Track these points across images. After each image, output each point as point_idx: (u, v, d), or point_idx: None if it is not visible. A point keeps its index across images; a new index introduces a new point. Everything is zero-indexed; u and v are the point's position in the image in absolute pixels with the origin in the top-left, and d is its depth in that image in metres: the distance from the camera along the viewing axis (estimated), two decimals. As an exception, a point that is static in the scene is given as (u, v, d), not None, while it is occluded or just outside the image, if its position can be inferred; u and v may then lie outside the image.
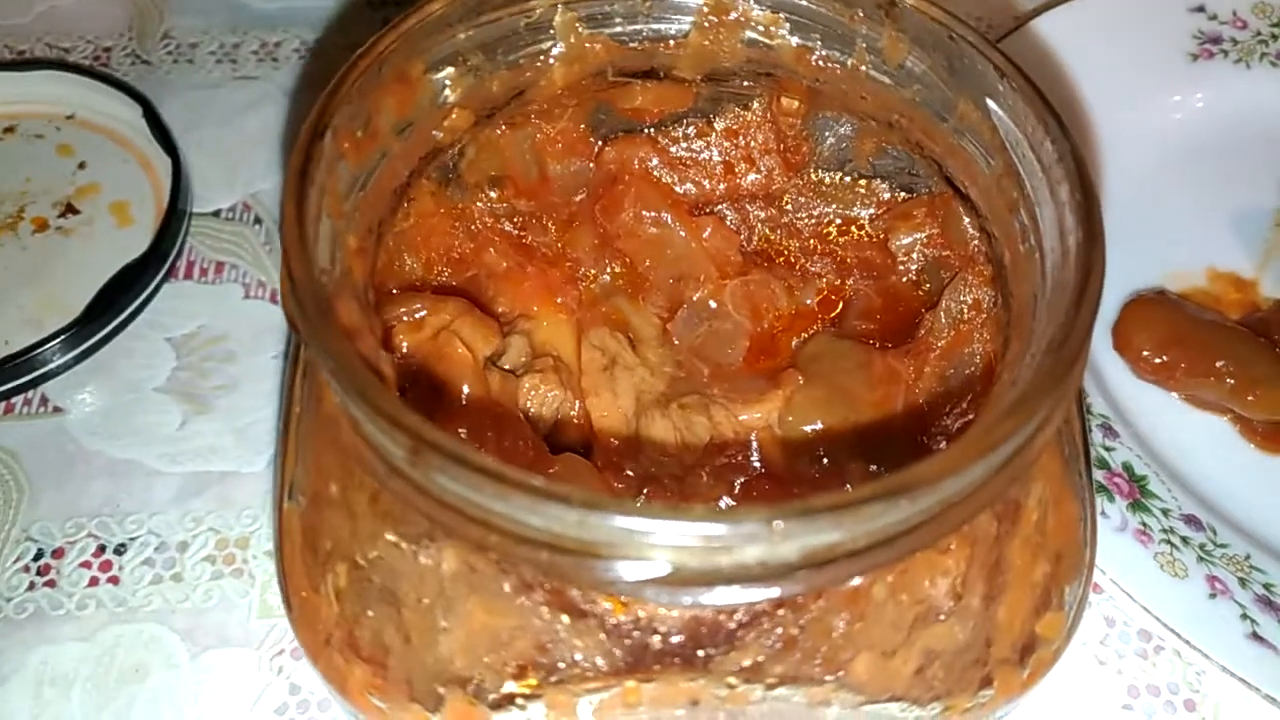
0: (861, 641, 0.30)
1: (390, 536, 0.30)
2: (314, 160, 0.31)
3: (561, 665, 0.29)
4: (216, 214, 0.62)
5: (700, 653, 0.29)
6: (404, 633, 0.30)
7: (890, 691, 0.31)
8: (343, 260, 0.31)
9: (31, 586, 0.49)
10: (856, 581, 0.29)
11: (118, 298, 0.56)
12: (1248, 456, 0.55)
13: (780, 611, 0.29)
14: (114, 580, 0.50)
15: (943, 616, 0.31)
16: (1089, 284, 0.29)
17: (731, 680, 0.29)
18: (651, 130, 0.44)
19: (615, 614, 0.28)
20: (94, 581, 0.50)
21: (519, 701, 0.30)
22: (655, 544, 0.24)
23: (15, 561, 0.50)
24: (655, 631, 0.29)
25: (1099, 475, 0.51)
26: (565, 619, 0.29)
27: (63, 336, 0.54)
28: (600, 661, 0.29)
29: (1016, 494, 0.32)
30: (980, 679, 0.32)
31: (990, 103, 0.35)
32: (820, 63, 0.39)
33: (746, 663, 0.29)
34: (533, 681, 0.30)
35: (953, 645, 0.31)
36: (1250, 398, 0.54)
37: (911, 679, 0.31)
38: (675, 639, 0.29)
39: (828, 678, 0.30)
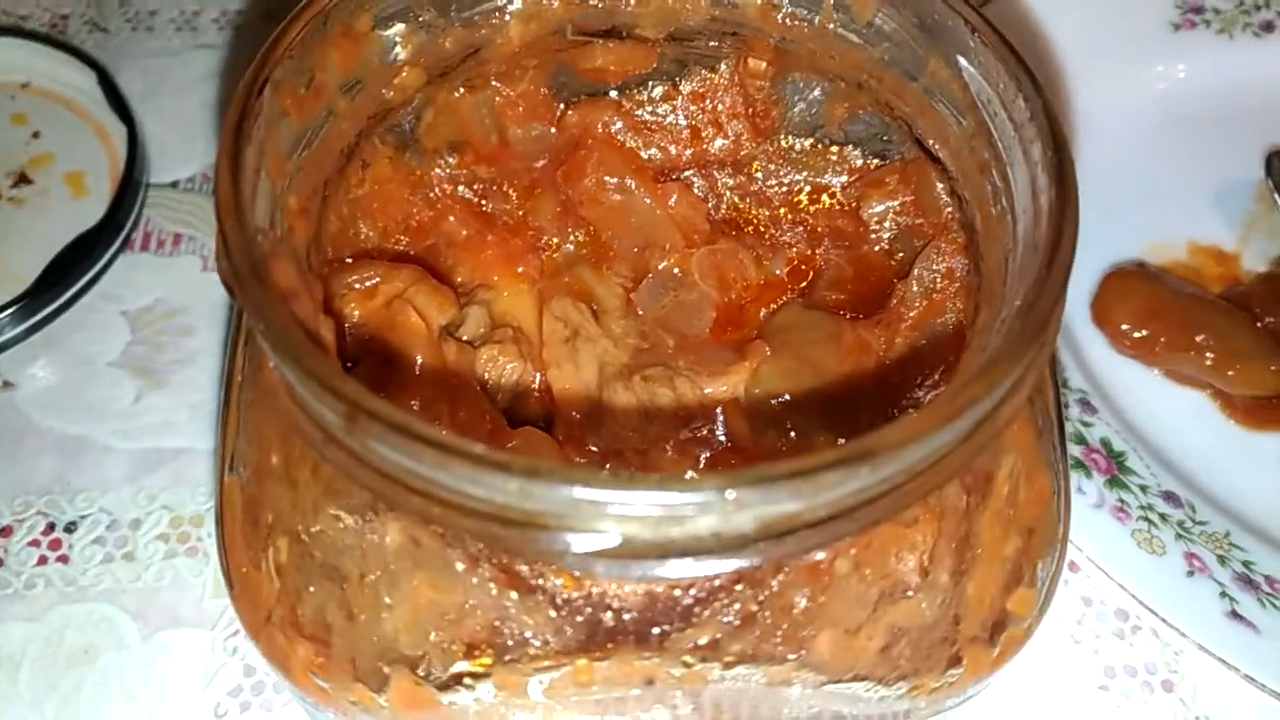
0: (824, 619, 0.29)
1: (332, 510, 0.29)
2: (250, 116, 0.29)
3: (511, 644, 0.28)
4: (175, 185, 0.60)
5: (655, 630, 0.28)
6: (347, 610, 0.29)
7: (854, 670, 0.30)
8: (283, 221, 0.30)
9: (-23, 566, 0.48)
10: (818, 555, 0.28)
11: (70, 269, 0.54)
12: (1228, 433, 0.54)
13: (738, 586, 0.28)
14: (63, 559, 0.48)
15: (909, 592, 0.30)
16: (1061, 244, 0.27)
17: (688, 659, 0.28)
18: (616, 94, 0.43)
19: (566, 589, 0.27)
20: (43, 560, 0.48)
21: (467, 681, 0.29)
22: (602, 514, 0.23)
23: (-39, 540, 0.48)
24: (608, 608, 0.28)
25: (1076, 451, 0.50)
26: (514, 595, 0.28)
27: (13, 308, 0.53)
28: (551, 639, 0.28)
29: (987, 465, 0.31)
30: (948, 658, 0.31)
31: (961, 60, 0.34)
32: (787, 20, 0.38)
33: (703, 640, 0.28)
34: (482, 661, 0.28)
35: (920, 622, 0.30)
36: (1231, 372, 0.53)
37: (876, 657, 0.30)
38: (629, 615, 0.28)
39: (789, 656, 0.29)
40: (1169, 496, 0.49)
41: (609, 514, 0.23)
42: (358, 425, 0.23)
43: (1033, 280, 0.28)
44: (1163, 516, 0.48)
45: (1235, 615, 0.45)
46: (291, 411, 0.27)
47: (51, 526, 0.49)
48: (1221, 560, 0.47)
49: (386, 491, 0.25)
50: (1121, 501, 0.48)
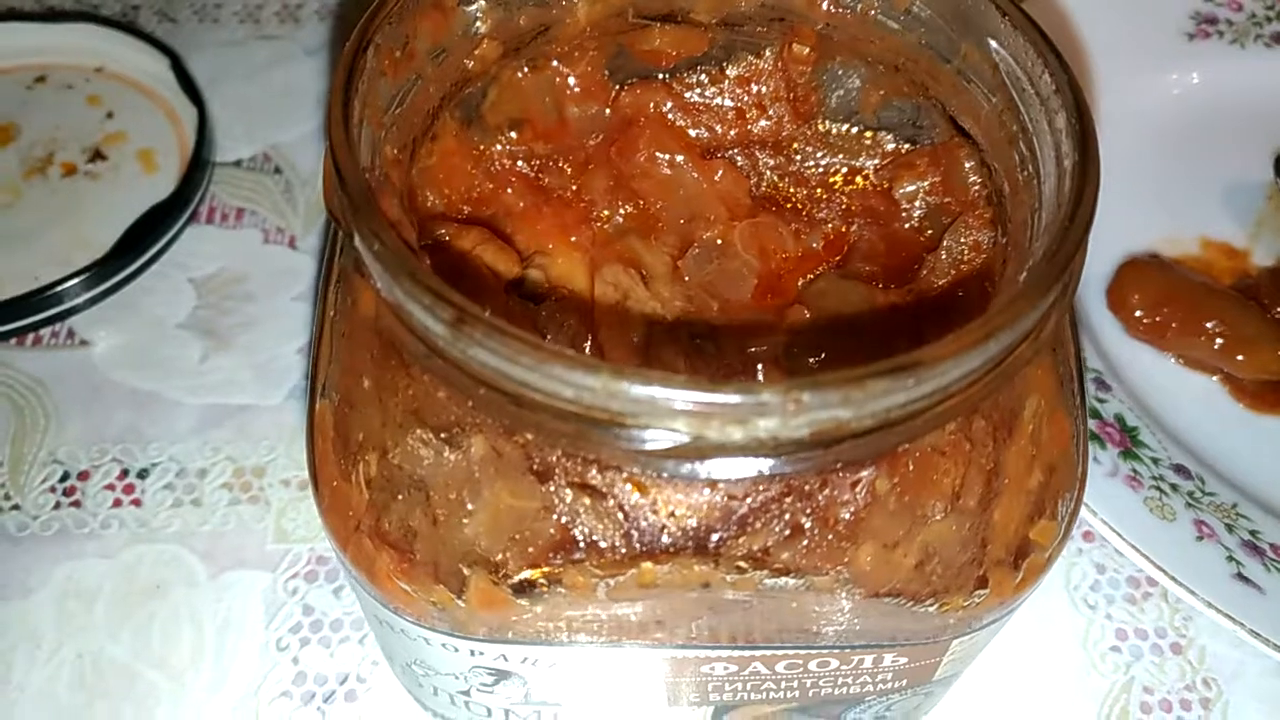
0: (865, 533, 0.32)
1: (419, 429, 0.32)
2: (357, 71, 0.32)
3: (582, 547, 0.31)
4: (238, 163, 0.64)
5: (713, 537, 0.31)
6: (431, 517, 0.32)
7: (890, 584, 0.33)
8: (381, 167, 0.33)
9: (58, 506, 0.51)
10: (862, 473, 0.31)
11: (143, 238, 0.58)
12: (1237, 415, 0.57)
13: (789, 499, 0.31)
14: (136, 503, 0.51)
15: (942, 515, 0.33)
16: (1083, 198, 0.30)
17: (741, 564, 0.31)
18: (666, 77, 0.46)
19: (633, 493, 0.30)
20: (117, 503, 0.51)
21: (540, 583, 0.32)
22: (675, 411, 0.26)
23: (43, 482, 0.52)
24: (671, 515, 0.30)
25: (1091, 424, 0.52)
26: (586, 501, 0.30)
27: (89, 273, 0.56)
28: (619, 543, 0.31)
29: (1013, 404, 0.34)
30: (976, 578, 0.34)
31: (992, 42, 0.37)
32: (831, 7, 0.41)
33: (755, 547, 0.31)
34: (555, 563, 0.31)
35: (951, 543, 0.33)
36: (1240, 357, 0.56)
37: (911, 573, 0.33)
38: (690, 522, 0.30)
39: (832, 568, 0.32)
40: (1179, 469, 0.52)
41: (681, 411, 0.26)
42: (464, 330, 0.26)
43: (1057, 230, 0.31)
44: (1173, 487, 0.51)
45: (1241, 577, 0.48)
46: (391, 331, 0.30)
47: (125, 472, 0.52)
48: (1229, 528, 0.50)
49: (480, 397, 0.28)
50: (1135, 472, 0.51)
